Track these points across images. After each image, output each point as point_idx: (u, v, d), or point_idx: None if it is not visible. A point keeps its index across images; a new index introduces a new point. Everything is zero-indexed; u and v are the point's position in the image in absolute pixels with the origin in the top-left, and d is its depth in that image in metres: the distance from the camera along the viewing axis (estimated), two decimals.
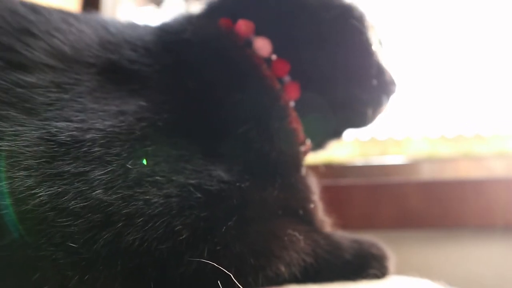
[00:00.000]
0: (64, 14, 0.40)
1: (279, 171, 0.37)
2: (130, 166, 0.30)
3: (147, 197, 0.29)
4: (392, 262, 0.43)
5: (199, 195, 0.31)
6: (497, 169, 0.84)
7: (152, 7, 1.09)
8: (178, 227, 0.29)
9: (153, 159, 0.31)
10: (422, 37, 0.92)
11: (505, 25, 0.90)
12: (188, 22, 0.44)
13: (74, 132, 0.30)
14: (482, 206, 0.78)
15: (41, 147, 0.28)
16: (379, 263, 0.41)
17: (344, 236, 0.42)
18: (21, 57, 0.33)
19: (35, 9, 0.38)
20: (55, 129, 0.29)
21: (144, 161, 0.31)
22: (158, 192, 0.30)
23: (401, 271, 0.44)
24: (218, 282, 0.29)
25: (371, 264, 0.41)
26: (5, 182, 0.27)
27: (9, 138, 0.28)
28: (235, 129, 0.36)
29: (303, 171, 0.42)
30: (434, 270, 0.75)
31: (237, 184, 0.33)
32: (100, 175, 0.28)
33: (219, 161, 0.34)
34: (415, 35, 0.92)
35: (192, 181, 0.31)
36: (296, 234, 0.35)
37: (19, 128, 0.29)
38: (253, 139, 0.36)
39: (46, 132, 0.29)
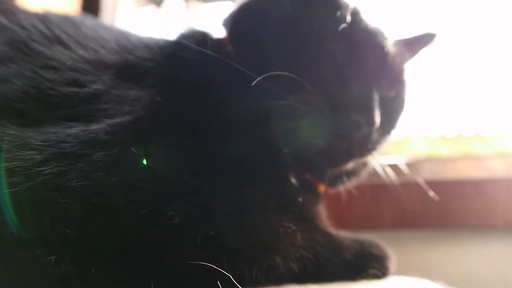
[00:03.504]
0: (93, 23, 0.44)
1: (273, 166, 0.38)
2: (129, 152, 0.31)
3: (143, 184, 0.30)
4: (393, 262, 0.43)
5: (192, 183, 0.32)
6: (497, 169, 0.84)
7: (152, 7, 1.09)
8: (169, 213, 0.30)
9: (155, 150, 0.32)
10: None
11: (505, 25, 0.90)
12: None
13: (82, 127, 0.32)
14: (482, 206, 0.78)
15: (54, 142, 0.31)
16: (380, 263, 0.41)
17: (345, 236, 0.42)
18: (50, 60, 0.37)
19: (67, 18, 0.43)
20: (66, 134, 0.32)
21: (146, 150, 0.32)
22: (153, 180, 0.31)
23: (401, 271, 0.44)
24: (213, 270, 0.30)
25: (371, 264, 0.41)
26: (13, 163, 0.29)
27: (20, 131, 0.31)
28: (231, 129, 0.37)
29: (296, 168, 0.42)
30: (434, 270, 0.75)
31: (231, 175, 0.34)
32: (103, 156, 0.30)
33: (214, 153, 0.35)
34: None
35: (188, 172, 0.32)
36: (291, 226, 0.35)
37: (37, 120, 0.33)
38: (247, 136, 0.37)
39: (59, 133, 0.32)
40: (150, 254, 0.29)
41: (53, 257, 0.27)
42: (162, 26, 1.04)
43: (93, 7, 0.99)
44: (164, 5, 1.06)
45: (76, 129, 0.32)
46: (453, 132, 0.90)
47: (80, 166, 0.29)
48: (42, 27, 0.40)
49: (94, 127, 0.32)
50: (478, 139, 0.89)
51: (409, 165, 0.88)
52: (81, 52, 0.39)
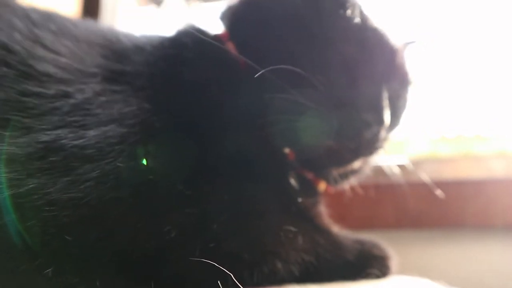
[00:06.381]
0: (74, 23, 0.40)
1: (272, 167, 0.37)
2: (120, 164, 0.30)
3: (134, 197, 0.29)
4: (394, 262, 0.43)
5: (189, 193, 0.31)
6: (497, 169, 0.84)
7: (152, 7, 1.09)
8: (165, 226, 0.30)
9: (146, 159, 0.31)
10: (422, 36, 0.92)
11: (505, 26, 0.90)
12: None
13: (70, 136, 0.31)
14: (482, 206, 0.78)
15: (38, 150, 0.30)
16: (381, 263, 0.41)
17: (346, 236, 0.42)
18: (31, 68, 0.34)
19: (48, 17, 0.39)
20: (52, 137, 0.30)
21: (136, 161, 0.31)
22: (148, 193, 0.30)
23: (401, 271, 0.44)
24: (212, 279, 0.29)
25: (372, 264, 0.41)
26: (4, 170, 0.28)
27: (10, 141, 0.30)
28: (228, 131, 0.36)
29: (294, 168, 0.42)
30: (434, 270, 0.75)
31: (228, 179, 0.33)
32: (90, 169, 0.29)
33: (210, 158, 0.34)
34: (415, 35, 0.92)
35: (182, 181, 0.31)
36: (292, 229, 0.35)
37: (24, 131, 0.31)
38: (242, 139, 0.36)
39: (47, 140, 0.30)
40: (148, 264, 0.29)
41: (54, 266, 0.27)
42: (163, 26, 1.04)
43: (93, 7, 0.99)
44: (164, 4, 1.06)
45: (64, 141, 0.31)
46: (453, 133, 0.90)
47: (69, 179, 0.29)
48: (23, 27, 0.37)
49: (80, 140, 0.31)
50: (478, 139, 0.89)
51: (410, 165, 0.88)
52: (65, 58, 0.36)
